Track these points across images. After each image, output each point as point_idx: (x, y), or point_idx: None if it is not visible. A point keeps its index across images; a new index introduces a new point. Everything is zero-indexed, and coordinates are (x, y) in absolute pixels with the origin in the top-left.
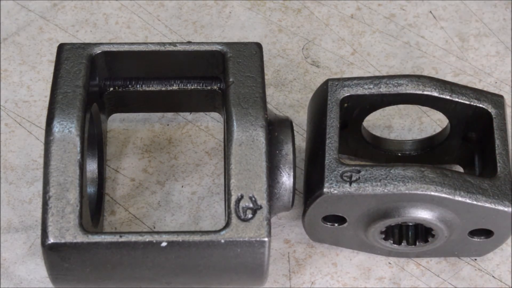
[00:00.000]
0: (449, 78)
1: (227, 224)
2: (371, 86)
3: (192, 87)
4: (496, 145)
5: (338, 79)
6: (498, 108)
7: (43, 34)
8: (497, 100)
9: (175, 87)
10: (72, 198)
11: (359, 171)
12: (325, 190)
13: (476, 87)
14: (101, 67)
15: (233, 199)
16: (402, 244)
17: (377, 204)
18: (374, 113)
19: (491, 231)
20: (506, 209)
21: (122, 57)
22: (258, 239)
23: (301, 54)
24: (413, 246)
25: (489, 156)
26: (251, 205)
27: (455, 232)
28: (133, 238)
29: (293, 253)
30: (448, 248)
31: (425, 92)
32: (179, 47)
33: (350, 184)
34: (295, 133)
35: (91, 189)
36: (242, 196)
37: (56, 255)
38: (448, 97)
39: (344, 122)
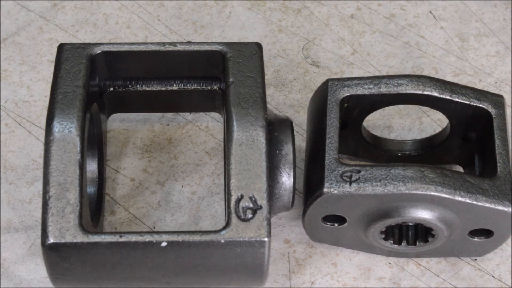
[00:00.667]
0: (449, 78)
1: (227, 224)
2: (371, 86)
3: (192, 87)
4: (496, 145)
5: (338, 79)
6: (498, 108)
7: (43, 34)
8: (497, 100)
9: (175, 87)
10: (72, 198)
11: (359, 171)
12: (325, 190)
13: (476, 87)
14: (101, 67)
15: (233, 199)
16: (402, 244)
17: (377, 204)
18: (374, 113)
19: (491, 231)
20: (506, 209)
21: (122, 57)
22: (258, 239)
23: (301, 54)
24: (413, 246)
25: (489, 156)
26: (251, 205)
27: (455, 232)
28: (133, 238)
29: (293, 253)
30: (448, 248)
31: (425, 92)
32: (179, 47)
33: (350, 184)
34: (295, 133)
35: (91, 189)
36: (242, 196)
37: (56, 255)
38: (448, 97)
39: (344, 122)
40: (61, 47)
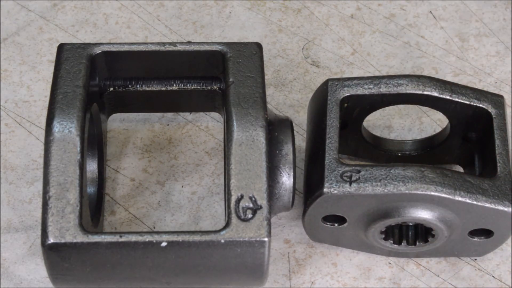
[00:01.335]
0: (449, 78)
1: (227, 224)
2: (371, 86)
3: (192, 87)
4: (496, 145)
5: (338, 79)
6: (498, 108)
7: (43, 34)
8: (497, 100)
9: (175, 87)
10: (72, 198)
11: (359, 171)
12: (325, 190)
13: (476, 87)
14: (101, 67)
15: (233, 199)
16: (402, 244)
17: (377, 204)
18: (374, 113)
19: (491, 231)
20: (506, 209)
21: (122, 57)
22: (258, 239)
23: (301, 54)
24: (413, 246)
25: (489, 156)
26: (251, 205)
27: (455, 232)
28: (133, 238)
29: (293, 253)
30: (448, 248)
31: (425, 92)
32: (179, 47)
33: (350, 184)
34: (295, 133)
35: (91, 189)
36: (242, 196)
37: (56, 255)
38: (448, 97)
39: (344, 122)
40: (61, 47)
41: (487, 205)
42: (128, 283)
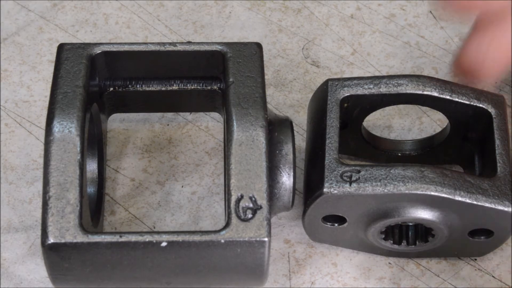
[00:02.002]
0: (449, 78)
1: (227, 224)
2: (371, 86)
3: (192, 87)
4: (496, 145)
5: (338, 79)
6: (498, 108)
7: (43, 34)
8: (497, 100)
9: (175, 87)
10: (72, 198)
11: (359, 171)
12: (325, 190)
13: (476, 87)
14: (101, 67)
15: (233, 199)
16: (402, 244)
17: (377, 204)
18: (374, 113)
19: (491, 231)
20: (506, 209)
21: (122, 57)
22: (258, 239)
23: (301, 54)
24: (413, 246)
25: (489, 156)
26: (251, 205)
27: (455, 232)
28: (133, 238)
29: (293, 253)
30: (448, 248)
31: (425, 92)
32: (179, 47)
33: (350, 184)
34: (295, 133)
35: (91, 189)
36: (242, 196)
37: (56, 255)
38: (448, 97)
39: (344, 122)
40: (61, 47)
41: (487, 205)
42: (128, 283)
